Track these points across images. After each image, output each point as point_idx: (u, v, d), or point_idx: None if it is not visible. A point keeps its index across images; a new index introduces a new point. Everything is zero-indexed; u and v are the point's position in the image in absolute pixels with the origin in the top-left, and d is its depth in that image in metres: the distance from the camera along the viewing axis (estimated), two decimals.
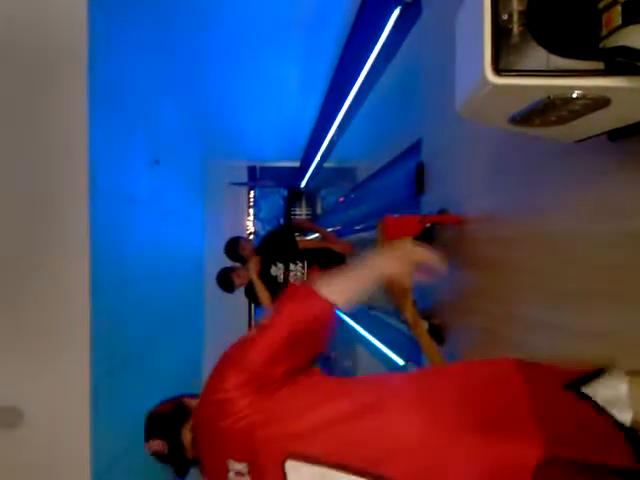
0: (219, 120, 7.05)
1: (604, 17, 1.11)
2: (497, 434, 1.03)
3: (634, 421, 1.13)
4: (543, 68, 1.14)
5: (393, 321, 4.39)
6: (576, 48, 1.12)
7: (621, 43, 1.08)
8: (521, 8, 1.13)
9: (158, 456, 1.33)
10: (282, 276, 3.80)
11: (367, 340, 5.39)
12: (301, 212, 10.30)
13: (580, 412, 1.15)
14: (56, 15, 3.19)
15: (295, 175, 9.51)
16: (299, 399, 1.13)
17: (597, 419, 1.14)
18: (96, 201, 3.33)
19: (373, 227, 3.81)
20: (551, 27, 1.13)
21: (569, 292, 1.89)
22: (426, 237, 3.33)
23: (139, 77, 4.71)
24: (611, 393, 1.16)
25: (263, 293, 3.75)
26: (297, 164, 9.16)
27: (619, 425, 1.12)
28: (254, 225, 9.79)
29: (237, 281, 3.73)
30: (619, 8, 1.08)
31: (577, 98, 1.17)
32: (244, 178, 9.39)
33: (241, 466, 1.12)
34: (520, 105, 1.25)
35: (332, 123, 6.18)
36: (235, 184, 9.22)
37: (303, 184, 9.60)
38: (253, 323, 9.13)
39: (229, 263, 3.92)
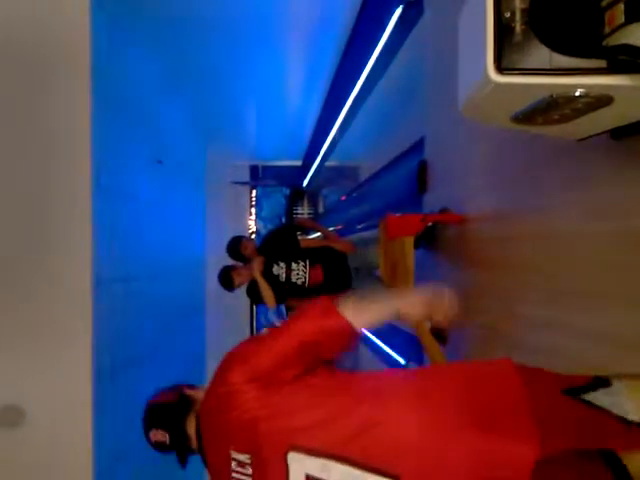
0: (221, 119, 7.05)
1: (607, 15, 1.10)
2: (497, 432, 1.04)
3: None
4: (546, 66, 1.13)
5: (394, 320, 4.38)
6: (579, 46, 1.12)
7: (624, 41, 1.07)
8: (524, 6, 1.13)
9: (159, 446, 1.34)
10: (284, 275, 3.80)
11: (369, 339, 5.39)
12: (303, 211, 10.30)
13: (579, 412, 1.16)
14: (59, 15, 3.20)
15: (297, 174, 9.51)
16: (303, 395, 1.16)
17: (596, 415, 1.15)
18: (98, 200, 3.34)
19: (375, 226, 3.80)
20: (554, 25, 1.12)
21: (570, 291, 1.88)
22: (428, 236, 3.33)
23: (141, 77, 4.71)
24: (610, 399, 1.17)
25: (267, 292, 3.75)
26: (299, 163, 9.16)
27: (619, 418, 1.13)
28: (256, 224, 9.79)
29: (237, 280, 3.73)
30: (622, 6, 1.07)
31: (580, 96, 1.17)
32: (246, 177, 9.40)
33: (244, 457, 1.16)
34: (523, 104, 1.25)
35: (334, 122, 6.18)
36: (237, 183, 9.22)
37: (305, 183, 9.60)
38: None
39: (231, 262, 3.92)
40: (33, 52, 3.19)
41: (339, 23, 4.60)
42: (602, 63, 1.12)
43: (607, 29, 1.11)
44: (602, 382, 1.21)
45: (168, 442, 1.32)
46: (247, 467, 1.17)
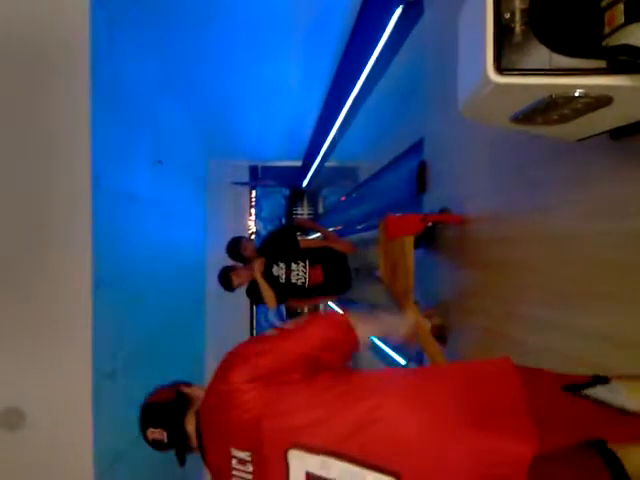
0: (221, 119, 7.05)
1: (607, 15, 1.11)
2: (496, 431, 1.05)
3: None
4: (545, 67, 1.13)
5: None
6: (578, 47, 1.12)
7: (624, 41, 1.07)
8: (523, 6, 1.13)
9: (157, 444, 1.34)
10: (284, 276, 3.80)
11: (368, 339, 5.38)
12: (303, 211, 10.30)
13: (578, 406, 1.17)
14: (58, 15, 3.20)
15: (297, 174, 9.51)
16: (304, 394, 1.17)
17: (595, 408, 1.16)
18: (98, 200, 3.34)
19: (375, 226, 3.80)
20: (553, 25, 1.12)
21: (570, 292, 1.88)
22: (428, 236, 3.33)
23: (141, 77, 4.71)
24: (610, 394, 1.18)
25: (268, 293, 3.75)
26: (299, 163, 9.15)
27: (619, 409, 1.14)
28: (256, 225, 9.79)
29: (236, 280, 3.72)
30: (622, 6, 1.07)
31: (579, 97, 1.17)
32: (246, 177, 9.40)
33: (244, 454, 1.17)
34: (522, 104, 1.25)
35: (334, 122, 6.17)
36: (237, 183, 9.22)
37: (305, 183, 9.60)
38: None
39: (231, 263, 3.92)
40: (33, 52, 3.19)
41: (339, 23, 4.60)
42: (602, 63, 1.12)
43: (607, 29, 1.11)
44: (601, 380, 1.21)
45: (166, 440, 1.32)
46: (248, 465, 1.17)
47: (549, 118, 1.30)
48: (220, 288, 3.82)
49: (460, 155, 3.03)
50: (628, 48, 1.06)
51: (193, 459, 1.34)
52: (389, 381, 1.24)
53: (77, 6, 3.20)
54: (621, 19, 1.08)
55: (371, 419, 1.09)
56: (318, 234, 4.90)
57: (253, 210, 9.77)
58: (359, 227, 6.16)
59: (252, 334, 9.14)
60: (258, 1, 4.28)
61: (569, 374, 1.28)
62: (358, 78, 4.82)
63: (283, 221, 10.07)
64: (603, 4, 1.11)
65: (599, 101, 1.19)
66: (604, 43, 1.11)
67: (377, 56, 4.33)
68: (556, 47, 1.12)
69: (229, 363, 1.24)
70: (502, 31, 1.13)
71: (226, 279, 3.73)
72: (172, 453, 1.35)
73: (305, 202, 10.31)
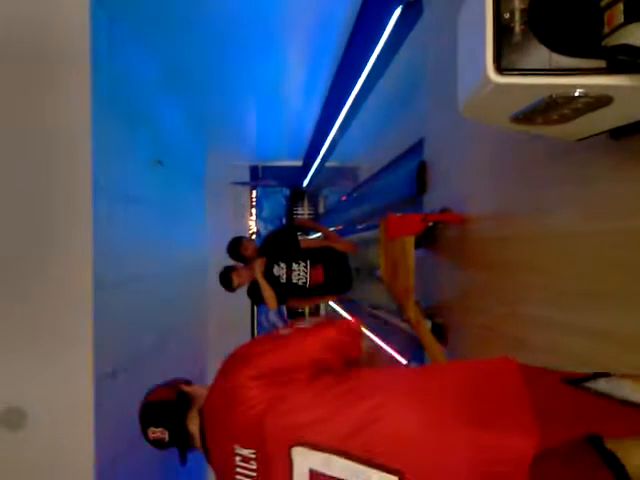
0: (221, 119, 7.05)
1: (606, 15, 1.11)
2: (497, 429, 1.05)
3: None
4: (545, 67, 1.13)
5: (396, 320, 4.39)
6: (578, 46, 1.12)
7: (623, 41, 1.07)
8: (523, 6, 1.13)
9: (158, 443, 1.34)
10: (285, 276, 3.80)
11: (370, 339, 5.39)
12: (303, 211, 10.31)
13: (579, 398, 1.17)
14: (59, 15, 3.19)
15: (297, 174, 9.51)
16: (308, 392, 1.18)
17: (597, 400, 1.16)
18: (99, 200, 3.34)
19: (375, 226, 3.81)
20: (553, 25, 1.13)
21: (571, 291, 1.89)
22: (428, 236, 3.33)
23: (141, 76, 4.71)
24: (612, 386, 1.18)
25: (268, 293, 3.75)
26: (299, 163, 9.16)
27: (621, 400, 1.14)
28: (256, 225, 9.79)
29: (236, 280, 3.72)
30: (621, 6, 1.07)
31: (579, 97, 1.17)
32: (246, 178, 9.40)
33: (248, 452, 1.17)
34: (522, 104, 1.25)
35: (334, 122, 6.17)
36: (237, 183, 9.22)
37: (305, 183, 9.60)
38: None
39: (231, 263, 3.92)
40: (33, 51, 3.19)
41: (339, 23, 4.60)
42: (601, 63, 1.12)
43: (606, 29, 1.11)
44: (602, 375, 1.21)
45: (167, 439, 1.32)
46: (251, 462, 1.18)
47: (549, 118, 1.30)
48: (221, 288, 3.83)
49: (460, 155, 3.03)
50: (628, 48, 1.06)
51: (193, 459, 1.34)
52: (391, 380, 1.24)
53: (77, 6, 3.20)
54: (620, 19, 1.08)
55: (373, 418, 1.09)
56: (319, 234, 4.91)
57: (254, 210, 9.77)
58: (360, 227, 6.16)
59: (253, 334, 9.15)
60: (258, 1, 4.28)
61: (571, 372, 1.28)
62: (358, 78, 4.82)
63: (284, 221, 10.07)
64: (602, 4, 1.11)
65: (599, 101, 1.19)
66: (604, 43, 1.11)
67: (377, 56, 4.33)
68: (556, 47, 1.12)
69: (233, 361, 1.24)
70: (502, 31, 1.13)
71: (227, 279, 3.73)
72: (172, 451, 1.35)
73: (306, 202, 10.31)
